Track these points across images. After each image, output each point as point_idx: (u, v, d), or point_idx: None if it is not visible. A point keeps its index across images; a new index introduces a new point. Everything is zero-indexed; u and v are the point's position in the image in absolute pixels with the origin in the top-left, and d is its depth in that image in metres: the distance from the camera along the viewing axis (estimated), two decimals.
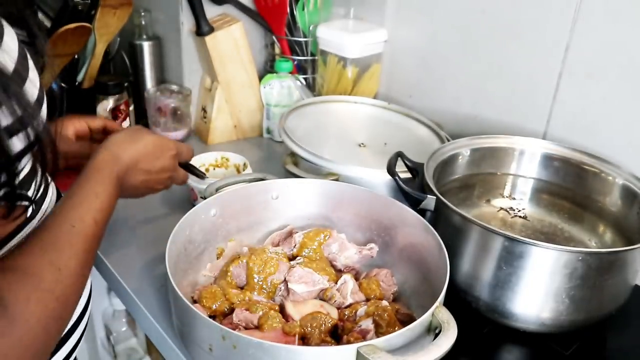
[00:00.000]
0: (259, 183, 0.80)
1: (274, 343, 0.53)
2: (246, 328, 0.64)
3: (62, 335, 0.61)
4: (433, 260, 0.68)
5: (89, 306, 0.69)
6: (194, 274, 0.73)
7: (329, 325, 0.64)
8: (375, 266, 0.77)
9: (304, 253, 0.75)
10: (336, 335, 0.65)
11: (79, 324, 0.65)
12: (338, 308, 0.68)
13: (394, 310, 0.67)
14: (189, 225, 0.71)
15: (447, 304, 0.62)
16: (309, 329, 0.63)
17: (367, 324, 0.63)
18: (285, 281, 0.71)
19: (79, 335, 0.66)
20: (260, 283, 0.71)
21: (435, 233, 0.68)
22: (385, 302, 0.68)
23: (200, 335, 0.57)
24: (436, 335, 0.57)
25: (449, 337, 0.55)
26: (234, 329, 0.58)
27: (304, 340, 0.62)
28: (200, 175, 0.88)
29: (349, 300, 0.69)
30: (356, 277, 0.74)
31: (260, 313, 0.64)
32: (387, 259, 0.77)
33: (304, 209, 0.81)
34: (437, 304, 0.58)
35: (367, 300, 0.70)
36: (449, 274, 0.63)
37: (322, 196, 0.81)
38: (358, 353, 0.52)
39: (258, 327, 0.63)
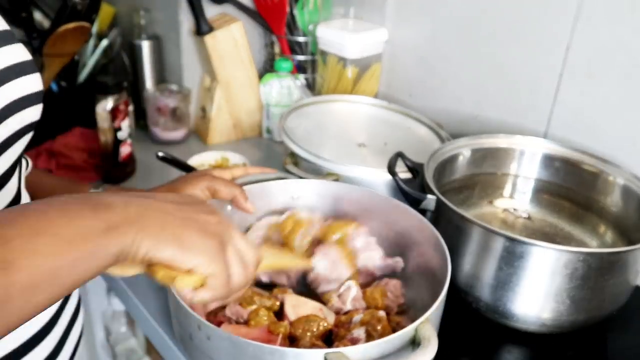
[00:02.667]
0: (279, 182, 0.80)
1: (242, 338, 0.53)
2: (237, 322, 0.64)
3: (57, 342, 0.60)
4: (441, 274, 0.65)
5: (80, 311, 0.68)
6: None
7: (322, 329, 0.63)
8: (388, 275, 0.74)
9: (334, 237, 0.73)
10: (330, 340, 0.65)
11: (71, 327, 0.64)
12: (337, 313, 0.68)
13: (395, 323, 0.65)
14: None
15: (447, 304, 0.62)
16: (301, 331, 0.62)
17: (359, 333, 0.62)
18: (316, 242, 0.70)
19: (75, 341, 0.65)
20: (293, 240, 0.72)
21: (445, 249, 0.66)
22: (382, 313, 0.65)
23: (183, 323, 0.59)
24: None
25: (425, 354, 0.53)
26: (225, 322, 0.60)
27: (295, 341, 0.62)
28: None
29: (348, 307, 0.68)
30: (368, 284, 0.72)
31: (252, 308, 0.64)
32: (404, 271, 0.74)
33: (323, 212, 0.80)
34: (422, 319, 0.56)
35: (368, 308, 0.69)
36: (449, 275, 0.62)
37: (347, 203, 0.79)
38: (325, 359, 0.51)
39: (247, 322, 0.63)
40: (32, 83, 0.53)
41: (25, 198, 0.59)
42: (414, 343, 0.56)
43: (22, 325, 0.38)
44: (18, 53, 0.52)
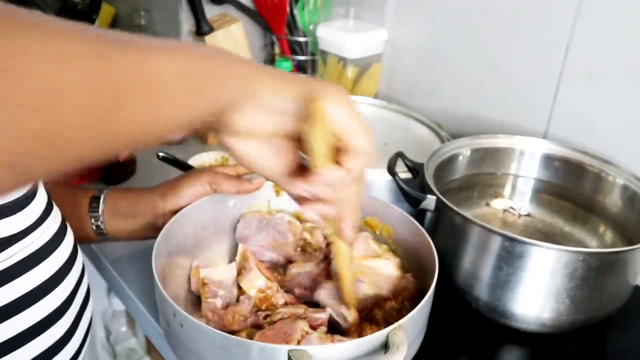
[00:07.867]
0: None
1: (212, 328, 0.53)
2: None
3: (60, 338, 0.60)
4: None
5: (88, 306, 0.68)
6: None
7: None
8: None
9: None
10: None
11: (75, 327, 0.63)
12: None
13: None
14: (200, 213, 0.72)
15: (447, 303, 0.62)
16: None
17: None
18: None
19: (79, 342, 0.64)
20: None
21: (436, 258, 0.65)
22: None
23: (163, 311, 0.60)
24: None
25: None
26: None
27: None
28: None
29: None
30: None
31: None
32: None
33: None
34: (395, 325, 0.54)
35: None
36: (447, 276, 0.62)
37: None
38: (289, 356, 0.51)
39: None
40: None
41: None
42: (386, 348, 0.54)
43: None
44: None
